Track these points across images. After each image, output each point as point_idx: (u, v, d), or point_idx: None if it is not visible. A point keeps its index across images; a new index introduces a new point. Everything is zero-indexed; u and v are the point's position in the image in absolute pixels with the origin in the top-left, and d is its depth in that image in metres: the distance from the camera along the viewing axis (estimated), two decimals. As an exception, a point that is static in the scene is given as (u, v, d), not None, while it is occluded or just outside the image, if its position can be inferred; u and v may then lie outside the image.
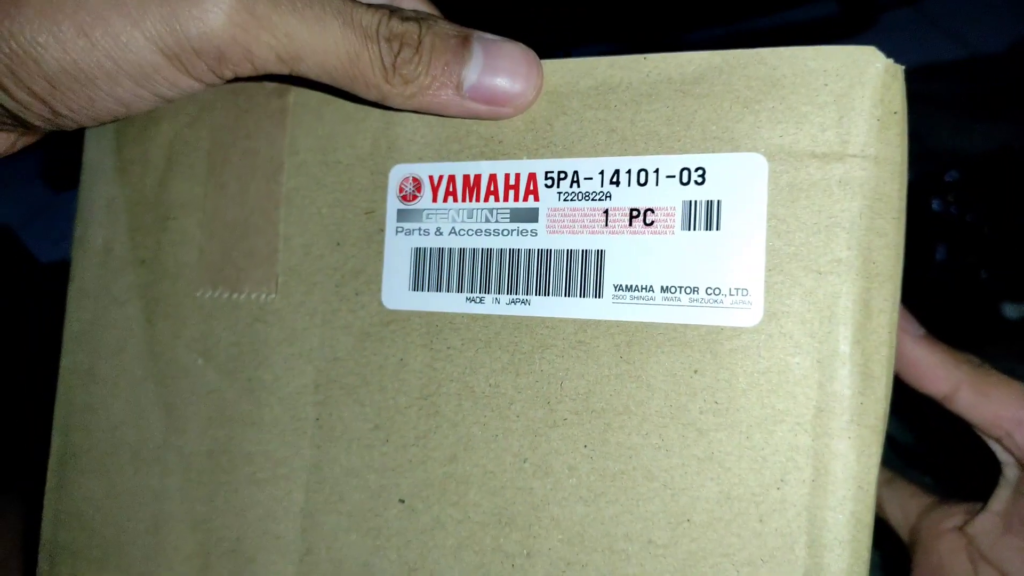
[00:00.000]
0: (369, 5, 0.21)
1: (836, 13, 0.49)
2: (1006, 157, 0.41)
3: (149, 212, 0.28)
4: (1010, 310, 0.40)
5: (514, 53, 0.22)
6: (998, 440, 0.28)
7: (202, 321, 0.27)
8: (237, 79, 0.22)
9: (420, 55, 0.21)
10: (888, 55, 0.20)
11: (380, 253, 0.25)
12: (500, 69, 0.22)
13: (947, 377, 0.27)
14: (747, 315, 0.20)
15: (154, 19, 0.19)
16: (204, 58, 0.20)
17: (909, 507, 0.34)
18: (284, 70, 0.21)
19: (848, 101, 0.20)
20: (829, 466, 0.20)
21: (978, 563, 0.31)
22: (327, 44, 0.20)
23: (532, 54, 0.22)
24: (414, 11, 0.22)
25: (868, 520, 0.20)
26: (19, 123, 0.22)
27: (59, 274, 0.30)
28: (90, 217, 0.29)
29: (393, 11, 0.21)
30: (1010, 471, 0.29)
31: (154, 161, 0.28)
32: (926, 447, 0.42)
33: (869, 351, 0.20)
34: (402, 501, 0.24)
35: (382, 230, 0.25)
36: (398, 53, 0.21)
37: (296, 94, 0.26)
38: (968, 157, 0.44)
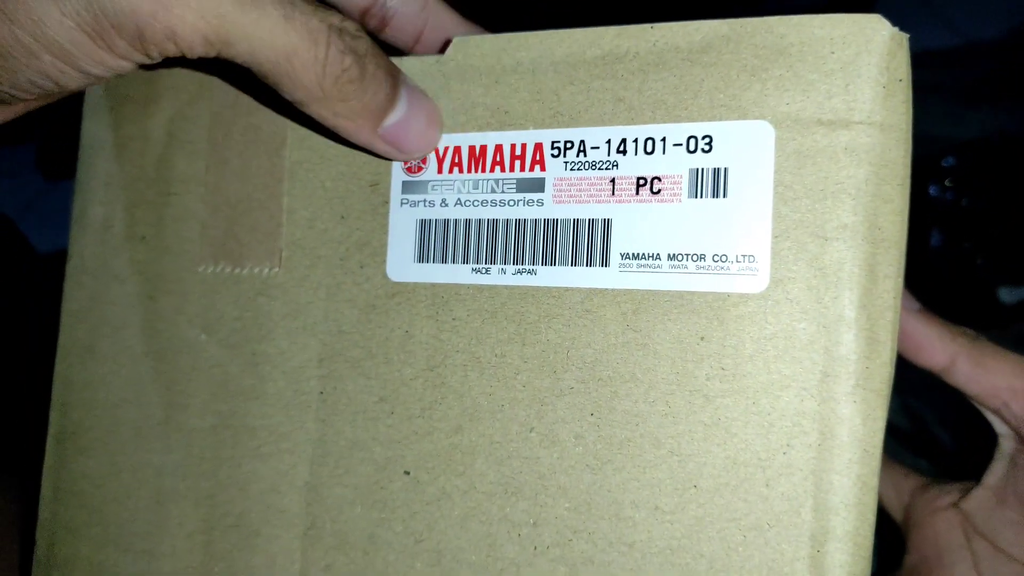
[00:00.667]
0: (311, 4, 0.20)
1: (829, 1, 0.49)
2: (1003, 143, 0.42)
3: (150, 188, 0.28)
4: (1006, 295, 0.40)
5: (429, 111, 0.24)
6: (996, 412, 0.28)
7: (204, 296, 0.27)
8: (167, 59, 0.21)
9: (364, 79, 0.21)
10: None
11: (385, 225, 0.25)
12: (415, 121, 0.23)
13: (944, 349, 0.27)
14: (754, 281, 0.21)
15: None
16: (124, 36, 0.19)
17: (903, 487, 0.34)
18: (211, 53, 0.20)
19: (854, 68, 0.20)
20: (835, 430, 0.20)
21: (972, 538, 0.31)
22: (262, 33, 0.19)
23: (439, 115, 0.24)
24: (357, 24, 0.22)
25: (874, 483, 0.20)
26: None
27: (56, 264, 0.30)
28: (89, 194, 0.29)
29: (340, 17, 0.21)
30: (1006, 443, 0.29)
31: (154, 138, 0.28)
32: (920, 430, 0.43)
33: (874, 316, 0.20)
34: (407, 473, 0.24)
35: (387, 202, 0.25)
36: (347, 68, 0.21)
37: None
38: (963, 143, 0.44)
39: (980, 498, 0.31)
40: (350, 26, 0.21)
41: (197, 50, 0.20)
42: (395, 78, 0.22)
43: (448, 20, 0.29)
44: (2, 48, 0.19)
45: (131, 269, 0.28)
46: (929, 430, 0.43)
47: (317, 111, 0.22)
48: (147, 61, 0.21)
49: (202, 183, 0.27)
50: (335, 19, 0.21)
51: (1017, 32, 0.46)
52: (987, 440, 0.31)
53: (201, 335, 0.27)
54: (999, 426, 0.29)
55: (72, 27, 0.19)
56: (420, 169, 0.24)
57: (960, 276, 0.42)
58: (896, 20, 0.21)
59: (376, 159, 0.25)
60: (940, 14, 0.45)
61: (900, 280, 0.20)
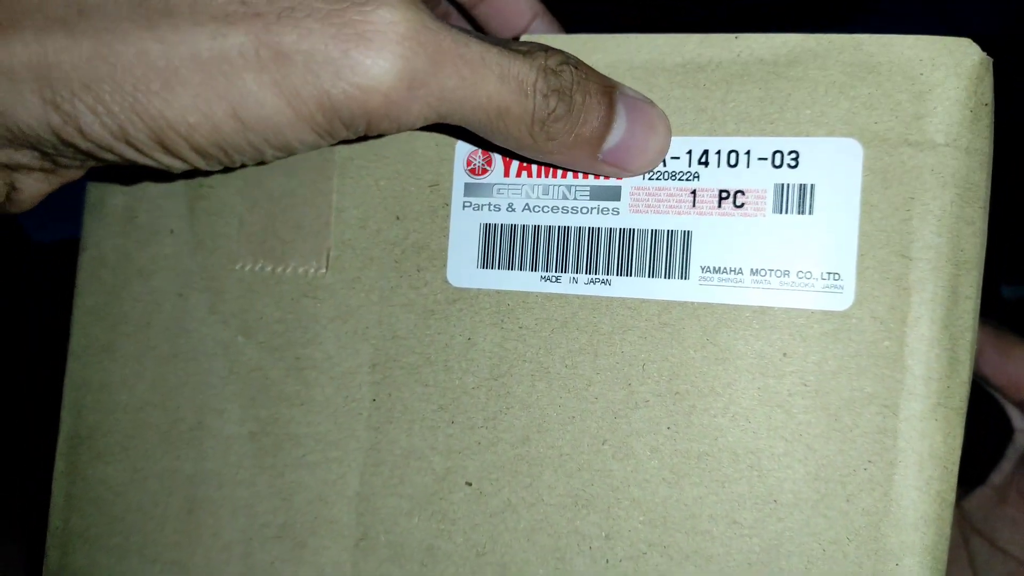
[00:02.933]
0: (521, 51, 0.20)
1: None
2: (1002, 137, 0.43)
3: (178, 178, 0.26)
4: (1008, 291, 0.41)
5: (650, 120, 0.21)
6: (1019, 404, 0.29)
7: (241, 296, 0.25)
8: None
9: (571, 114, 0.20)
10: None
11: (445, 228, 0.24)
12: (638, 135, 0.21)
13: None
14: (839, 299, 0.21)
15: (310, 103, 0.18)
16: (351, 129, 0.19)
17: None
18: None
19: (943, 91, 0.20)
20: (916, 447, 0.20)
21: (970, 537, 0.33)
22: (479, 99, 0.19)
23: (665, 118, 0.22)
24: (561, 54, 0.20)
25: (951, 499, 0.20)
26: (156, 169, 0.21)
27: (55, 256, 0.28)
28: (106, 181, 0.27)
29: (546, 55, 0.20)
30: (1021, 439, 0.31)
31: (182, 124, 0.26)
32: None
33: (956, 336, 0.20)
34: (469, 484, 0.23)
35: (447, 204, 0.24)
36: (552, 110, 0.20)
37: None
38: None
39: (982, 497, 0.33)
40: (554, 61, 0.20)
41: (415, 128, 0.20)
42: (610, 97, 0.21)
43: None
44: (234, 147, 0.19)
45: (158, 264, 0.26)
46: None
47: (529, 154, 0.21)
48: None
49: (239, 175, 0.26)
50: (541, 57, 0.20)
51: (1013, 26, 0.47)
52: (991, 445, 0.32)
53: (238, 336, 0.25)
54: (1018, 420, 0.30)
55: (305, 128, 0.18)
56: (484, 171, 0.24)
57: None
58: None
59: (435, 158, 0.24)
60: (937, 7, 0.46)
61: (978, 301, 0.21)
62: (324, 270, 0.25)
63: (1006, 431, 0.32)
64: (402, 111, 0.18)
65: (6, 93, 0.17)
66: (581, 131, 0.20)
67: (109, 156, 0.19)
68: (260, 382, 0.25)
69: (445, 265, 0.24)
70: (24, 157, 0.19)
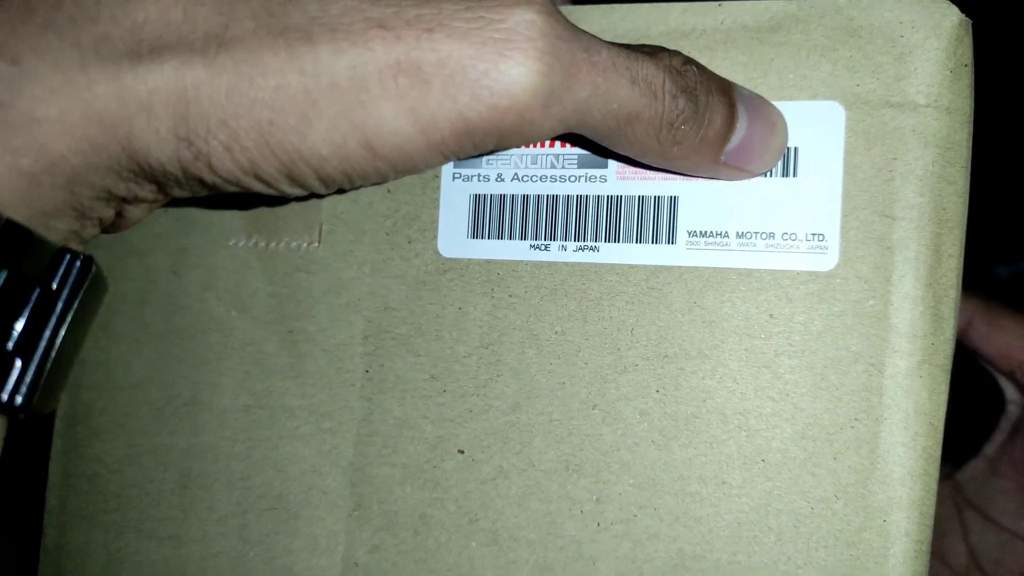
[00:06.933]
0: (645, 51, 0.19)
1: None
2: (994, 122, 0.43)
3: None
4: (1003, 270, 0.42)
5: (771, 115, 0.21)
6: (1009, 375, 0.30)
7: (235, 272, 0.26)
8: None
9: (698, 116, 0.19)
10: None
11: (436, 200, 0.24)
12: (759, 134, 0.20)
13: (961, 310, 0.28)
14: (823, 260, 0.21)
15: (445, 129, 0.17)
16: (479, 150, 0.18)
17: None
18: None
19: (923, 52, 0.21)
20: (902, 404, 0.20)
21: (963, 509, 0.33)
22: (610, 107, 0.18)
23: (782, 116, 0.21)
24: (681, 54, 0.20)
25: (937, 455, 0.20)
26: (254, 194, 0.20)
27: None
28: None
29: (669, 55, 0.19)
30: (1013, 409, 0.31)
31: (175, 104, 0.27)
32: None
33: (940, 294, 0.21)
34: (461, 452, 0.23)
35: (437, 176, 0.24)
36: (681, 111, 0.19)
37: None
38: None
39: (974, 469, 0.33)
40: (678, 61, 0.19)
41: (540, 141, 0.19)
42: (729, 96, 0.20)
43: None
44: (361, 175, 0.18)
45: (152, 243, 0.26)
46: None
47: (650, 160, 0.20)
48: None
49: (232, 153, 0.26)
50: (666, 58, 0.19)
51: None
52: (984, 418, 0.33)
53: (232, 312, 0.26)
54: (1010, 392, 0.31)
55: (435, 154, 0.18)
56: (474, 143, 0.24)
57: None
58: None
59: (425, 132, 0.24)
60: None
61: (961, 260, 0.21)
62: (317, 244, 0.25)
63: (998, 403, 0.32)
64: (534, 128, 0.18)
65: (142, 131, 0.17)
66: (707, 132, 0.20)
67: (231, 188, 0.18)
68: (254, 356, 0.25)
69: (436, 236, 0.24)
70: (143, 190, 0.19)
